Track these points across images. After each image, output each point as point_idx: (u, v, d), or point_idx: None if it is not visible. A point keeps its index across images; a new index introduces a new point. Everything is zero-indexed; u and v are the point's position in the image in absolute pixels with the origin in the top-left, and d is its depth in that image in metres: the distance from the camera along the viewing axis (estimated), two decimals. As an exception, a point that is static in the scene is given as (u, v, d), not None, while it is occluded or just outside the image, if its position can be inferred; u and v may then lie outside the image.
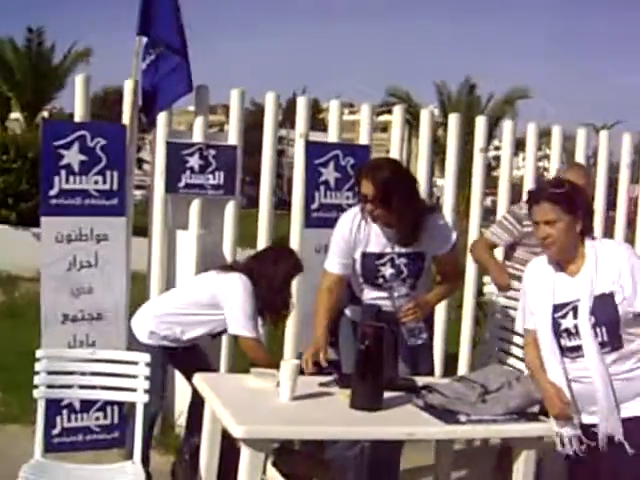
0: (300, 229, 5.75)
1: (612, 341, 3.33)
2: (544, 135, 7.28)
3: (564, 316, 3.39)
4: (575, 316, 3.36)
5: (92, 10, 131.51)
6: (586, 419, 3.42)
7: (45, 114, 41.26)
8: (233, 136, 5.72)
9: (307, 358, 4.04)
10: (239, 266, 4.79)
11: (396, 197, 4.06)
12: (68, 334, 5.13)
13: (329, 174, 5.84)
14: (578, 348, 3.35)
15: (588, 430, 3.41)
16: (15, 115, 48.02)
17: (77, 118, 5.32)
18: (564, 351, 3.40)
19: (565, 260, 3.46)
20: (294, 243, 5.75)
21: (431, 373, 4.47)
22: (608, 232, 6.79)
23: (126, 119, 5.41)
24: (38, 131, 18.50)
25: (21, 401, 5.62)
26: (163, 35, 5.41)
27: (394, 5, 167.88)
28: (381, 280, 4.28)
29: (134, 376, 3.98)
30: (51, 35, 39.25)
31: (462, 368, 6.30)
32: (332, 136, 6.10)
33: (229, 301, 4.54)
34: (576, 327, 3.34)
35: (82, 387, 4.08)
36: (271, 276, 4.65)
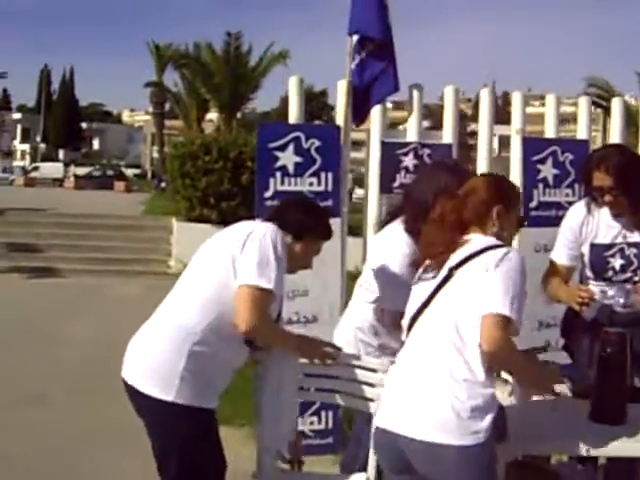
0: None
1: None
2: None
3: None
4: None
5: (288, 13, 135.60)
6: None
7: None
8: (448, 134, 5.58)
9: None
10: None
11: (634, 182, 3.90)
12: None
13: (547, 171, 5.66)
14: None
15: None
16: (209, 116, 49.93)
17: (292, 119, 5.33)
18: None
19: None
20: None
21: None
22: None
23: (340, 120, 5.36)
24: (238, 132, 19.14)
25: (233, 403, 5.64)
26: (374, 33, 5.33)
27: None
28: (610, 272, 4.07)
29: (371, 385, 3.70)
30: (248, 38, 40.43)
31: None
32: (549, 131, 5.89)
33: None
34: None
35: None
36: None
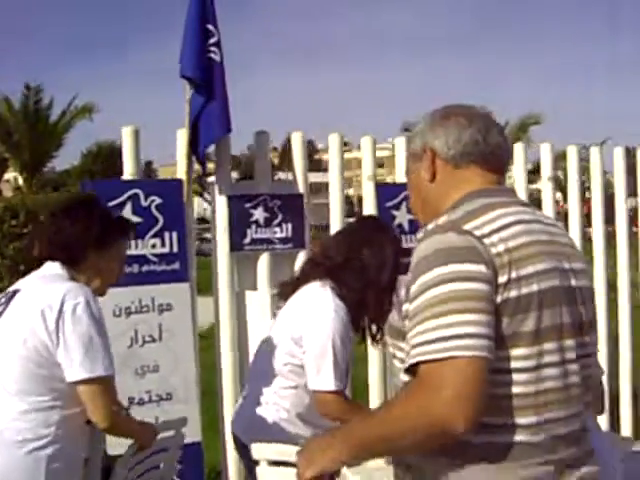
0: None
1: None
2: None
3: None
4: None
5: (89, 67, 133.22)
6: None
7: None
8: (300, 184, 5.18)
9: None
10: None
11: None
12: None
13: (402, 217, 5.35)
14: None
15: None
16: (7, 176, 47.57)
17: (127, 175, 4.77)
18: None
19: None
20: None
21: None
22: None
23: (181, 173, 4.86)
24: (45, 192, 18.03)
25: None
26: (192, 73, 4.82)
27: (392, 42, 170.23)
28: None
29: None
30: (49, 92, 38.00)
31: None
32: (401, 176, 5.63)
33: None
34: None
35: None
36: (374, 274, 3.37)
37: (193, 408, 4.62)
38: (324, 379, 3.21)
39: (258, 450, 3.08)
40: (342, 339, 3.24)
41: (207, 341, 5.22)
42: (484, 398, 1.79)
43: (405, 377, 1.96)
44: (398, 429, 1.84)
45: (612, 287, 6.52)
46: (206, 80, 4.82)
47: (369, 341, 3.57)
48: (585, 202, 6.57)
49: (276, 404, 3.36)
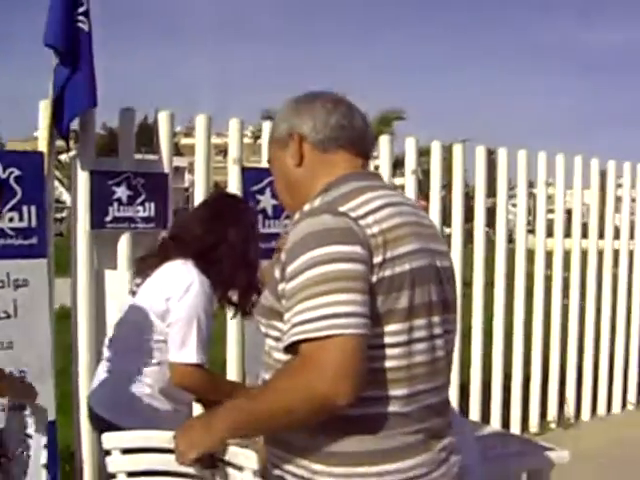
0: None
1: None
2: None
3: None
4: None
5: None
6: None
7: None
8: (165, 164, 5.12)
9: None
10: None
11: None
12: (-13, 398, 4.36)
13: (266, 201, 5.36)
14: None
15: None
16: None
17: (-16, 146, 4.60)
18: None
19: None
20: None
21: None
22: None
23: (42, 145, 4.71)
24: None
25: None
26: (55, 42, 4.61)
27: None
28: None
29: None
30: None
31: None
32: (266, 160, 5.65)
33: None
34: None
35: None
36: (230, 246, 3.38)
37: (48, 387, 4.50)
38: (188, 352, 3.21)
39: (108, 439, 2.98)
40: (206, 313, 3.27)
41: (59, 322, 5.06)
42: (364, 374, 1.85)
43: (281, 355, 1.99)
44: (280, 406, 1.89)
45: (467, 285, 6.76)
46: (72, 50, 4.67)
47: (238, 315, 3.67)
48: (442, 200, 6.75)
49: (138, 380, 3.32)
